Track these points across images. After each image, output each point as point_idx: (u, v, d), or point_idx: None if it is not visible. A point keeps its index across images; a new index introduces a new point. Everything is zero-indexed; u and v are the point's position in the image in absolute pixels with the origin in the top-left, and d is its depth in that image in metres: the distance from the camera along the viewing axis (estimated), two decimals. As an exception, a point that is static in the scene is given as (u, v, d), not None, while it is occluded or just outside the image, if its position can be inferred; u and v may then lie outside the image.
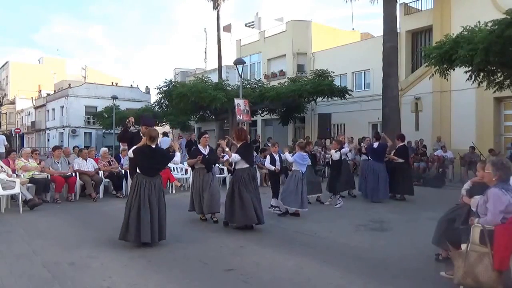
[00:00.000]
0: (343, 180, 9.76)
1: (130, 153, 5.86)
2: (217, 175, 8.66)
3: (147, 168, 5.65)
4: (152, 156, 5.65)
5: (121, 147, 13.62)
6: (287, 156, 8.52)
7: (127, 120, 7.19)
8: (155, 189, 5.59)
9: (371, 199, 9.82)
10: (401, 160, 10.10)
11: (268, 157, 8.58)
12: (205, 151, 7.50)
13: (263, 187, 11.60)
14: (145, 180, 5.56)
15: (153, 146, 5.69)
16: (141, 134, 6.49)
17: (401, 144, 10.42)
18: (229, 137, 7.89)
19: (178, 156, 6.25)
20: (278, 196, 8.24)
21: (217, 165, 12.52)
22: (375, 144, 10.15)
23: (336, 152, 9.26)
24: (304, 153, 8.26)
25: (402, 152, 10.28)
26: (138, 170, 5.70)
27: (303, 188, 7.87)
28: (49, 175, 9.40)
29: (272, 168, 8.27)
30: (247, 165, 6.73)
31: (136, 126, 7.54)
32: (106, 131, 35.93)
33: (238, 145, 6.93)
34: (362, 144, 11.42)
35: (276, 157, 8.58)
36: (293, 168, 8.21)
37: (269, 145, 10.90)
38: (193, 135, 18.12)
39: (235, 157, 6.69)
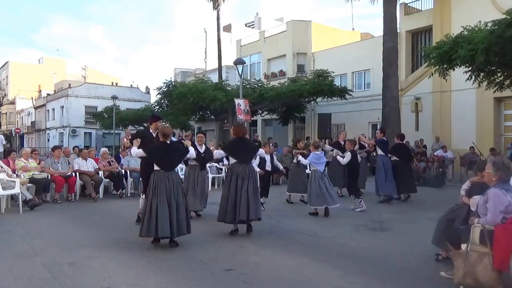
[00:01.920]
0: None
1: (136, 152, 5.94)
2: (212, 175, 8.65)
3: (164, 163, 5.78)
4: (167, 152, 5.81)
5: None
6: (301, 159, 8.58)
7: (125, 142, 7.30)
8: (173, 184, 5.68)
9: (384, 194, 9.66)
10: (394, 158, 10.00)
11: (257, 158, 8.58)
12: (201, 149, 7.66)
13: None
14: (162, 176, 5.66)
15: (167, 142, 5.86)
16: (150, 131, 6.68)
17: (398, 142, 10.35)
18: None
19: (192, 150, 6.44)
20: (266, 195, 8.55)
21: (215, 164, 12.58)
22: (381, 138, 10.04)
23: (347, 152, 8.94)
24: (319, 152, 8.28)
25: (397, 150, 10.22)
26: (155, 167, 5.79)
27: (326, 185, 7.89)
28: (49, 175, 9.40)
29: (257, 170, 8.34)
30: (235, 161, 6.60)
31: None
32: (106, 131, 35.93)
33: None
34: (363, 136, 11.07)
35: (267, 157, 8.58)
36: (311, 169, 8.24)
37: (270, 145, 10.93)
38: (186, 134, 18.15)
39: (217, 153, 6.78)
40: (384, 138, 10.07)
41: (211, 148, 7.30)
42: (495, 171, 3.90)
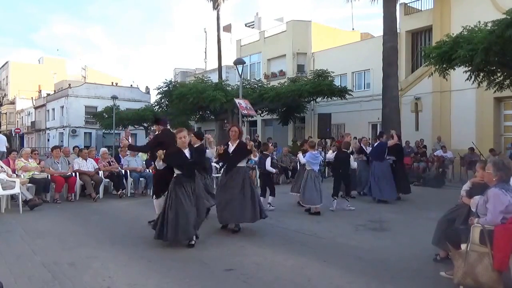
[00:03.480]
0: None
1: (160, 165, 5.79)
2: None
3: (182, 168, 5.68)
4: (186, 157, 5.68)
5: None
6: (300, 157, 8.71)
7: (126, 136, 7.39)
8: (188, 189, 5.58)
9: (377, 197, 9.67)
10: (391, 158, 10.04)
11: (267, 158, 8.64)
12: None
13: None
14: (180, 180, 5.60)
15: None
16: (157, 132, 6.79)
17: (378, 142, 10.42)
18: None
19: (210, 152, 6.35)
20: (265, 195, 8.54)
21: (216, 165, 12.55)
22: (375, 144, 10.15)
23: (333, 152, 9.13)
24: (315, 152, 8.42)
25: (394, 151, 10.25)
26: (175, 173, 5.72)
27: (320, 185, 8.12)
28: (49, 175, 9.40)
29: (273, 171, 8.42)
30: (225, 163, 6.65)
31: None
32: (106, 131, 35.95)
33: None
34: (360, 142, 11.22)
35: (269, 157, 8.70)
36: (306, 168, 8.35)
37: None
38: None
39: (208, 153, 6.71)
40: (382, 141, 10.15)
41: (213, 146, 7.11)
42: (496, 171, 3.90)
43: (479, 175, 4.65)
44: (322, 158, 8.81)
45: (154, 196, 6.69)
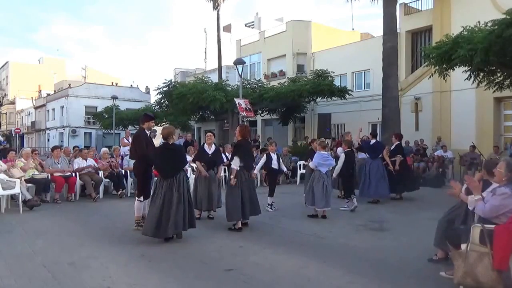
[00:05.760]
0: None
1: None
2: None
3: (163, 168, 5.70)
4: (168, 155, 5.69)
5: (120, 146, 13.57)
6: (310, 163, 8.35)
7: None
8: (176, 185, 5.60)
9: (364, 196, 9.59)
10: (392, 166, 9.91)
11: (264, 156, 8.64)
12: (210, 150, 7.59)
13: (263, 186, 11.61)
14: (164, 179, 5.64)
15: (169, 143, 5.75)
16: (146, 130, 6.59)
17: (397, 143, 10.40)
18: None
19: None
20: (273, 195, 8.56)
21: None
22: (372, 141, 10.10)
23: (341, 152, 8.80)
24: (325, 152, 7.93)
25: (396, 151, 10.24)
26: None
27: (327, 187, 7.62)
28: (49, 175, 9.40)
29: (258, 169, 8.44)
30: (242, 165, 6.66)
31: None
32: (106, 131, 35.93)
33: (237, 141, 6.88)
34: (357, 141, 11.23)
35: (274, 156, 8.66)
36: (315, 169, 7.93)
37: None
38: (189, 135, 18.15)
39: (236, 161, 6.61)
40: (372, 141, 10.14)
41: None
42: (507, 171, 3.92)
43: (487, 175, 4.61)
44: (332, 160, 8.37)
45: (142, 197, 6.46)
